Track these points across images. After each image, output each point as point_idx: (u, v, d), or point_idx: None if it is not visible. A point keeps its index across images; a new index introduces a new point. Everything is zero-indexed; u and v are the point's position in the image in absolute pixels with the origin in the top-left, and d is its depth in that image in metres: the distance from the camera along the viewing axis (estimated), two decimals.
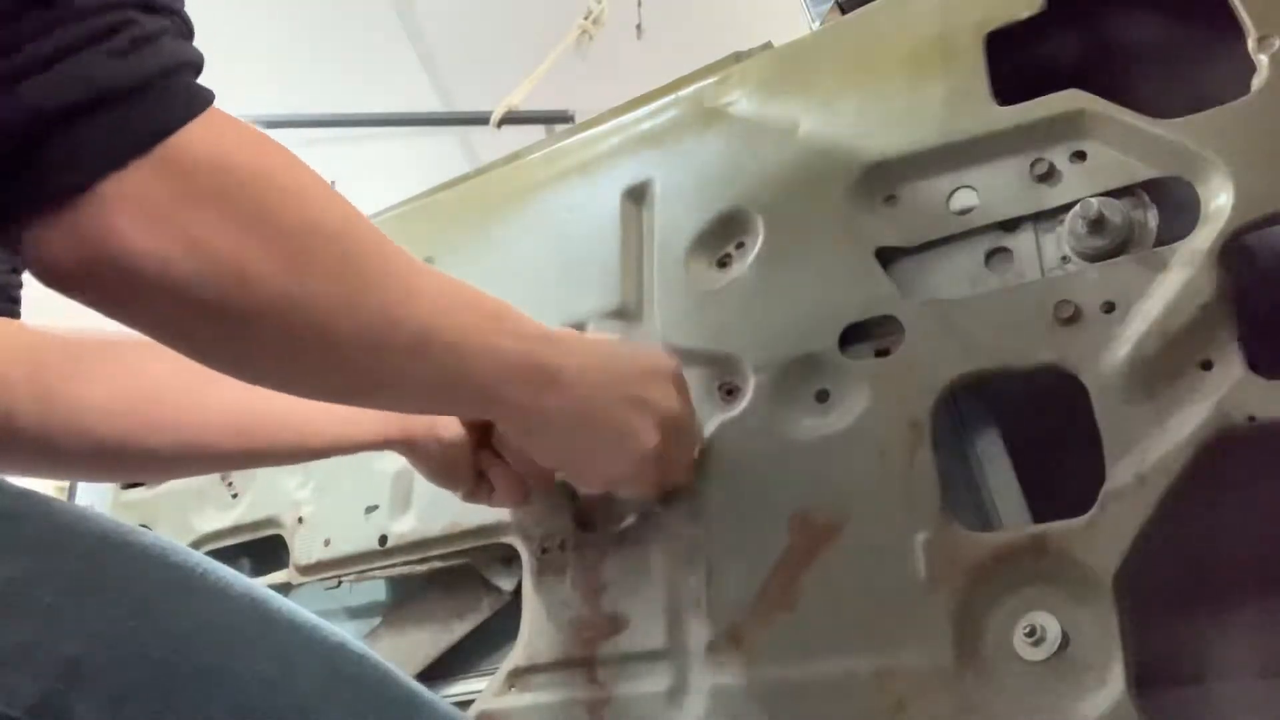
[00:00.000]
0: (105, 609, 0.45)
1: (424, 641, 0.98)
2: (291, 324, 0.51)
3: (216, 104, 0.50)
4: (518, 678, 0.83)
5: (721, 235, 0.86)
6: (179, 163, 0.47)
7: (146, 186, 0.46)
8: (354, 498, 0.98)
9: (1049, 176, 0.74)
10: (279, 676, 0.47)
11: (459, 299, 0.59)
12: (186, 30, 0.49)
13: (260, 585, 0.51)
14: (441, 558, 0.93)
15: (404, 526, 0.94)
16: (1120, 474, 0.65)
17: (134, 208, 0.46)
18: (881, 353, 0.77)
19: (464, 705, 0.84)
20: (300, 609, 0.51)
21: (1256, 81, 0.68)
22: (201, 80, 0.49)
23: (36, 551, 0.45)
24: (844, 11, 0.95)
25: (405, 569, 0.95)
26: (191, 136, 0.47)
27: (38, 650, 0.43)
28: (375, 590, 1.08)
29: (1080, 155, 0.73)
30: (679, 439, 0.74)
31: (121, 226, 0.46)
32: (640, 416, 0.70)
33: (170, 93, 0.47)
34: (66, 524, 0.48)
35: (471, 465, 0.81)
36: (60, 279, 0.47)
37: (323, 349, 0.52)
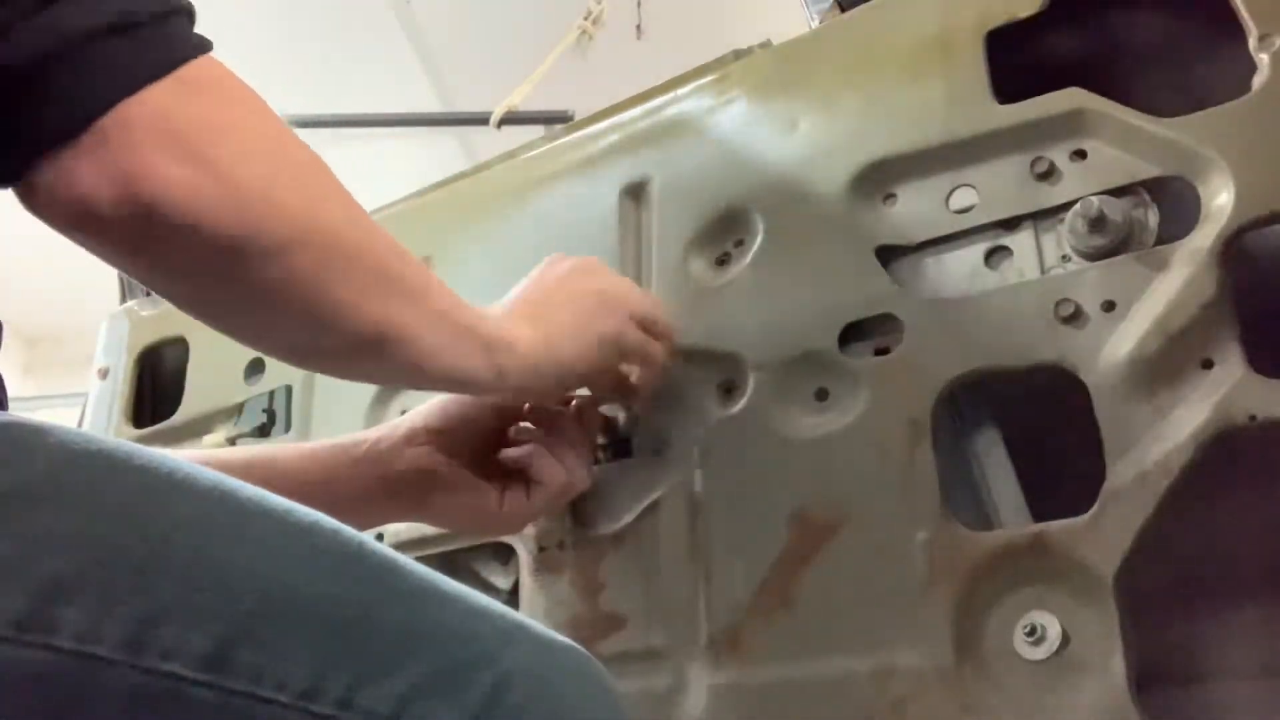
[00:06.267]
0: (79, 520, 0.45)
1: None
2: (312, 256, 0.53)
3: None
4: None
5: (720, 233, 0.86)
6: (201, 86, 0.50)
7: (171, 107, 0.48)
8: None
9: (1049, 175, 0.73)
10: (261, 560, 0.46)
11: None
12: None
13: (227, 477, 0.50)
14: (438, 556, 0.92)
15: (400, 524, 0.94)
16: (1120, 473, 0.65)
17: (161, 130, 0.48)
18: (881, 351, 0.76)
19: None
20: (269, 494, 0.50)
21: (1257, 81, 0.67)
22: None
23: (1, 470, 0.45)
24: (843, 10, 0.95)
25: None
26: (207, 65, 0.51)
27: (16, 567, 0.42)
28: None
29: (1080, 154, 0.73)
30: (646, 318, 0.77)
31: (150, 151, 0.48)
32: (600, 306, 0.74)
33: (185, 26, 0.51)
34: (24, 439, 0.47)
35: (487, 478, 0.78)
36: (81, 212, 0.48)
37: (337, 286, 0.55)
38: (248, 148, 0.51)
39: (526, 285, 0.75)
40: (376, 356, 0.59)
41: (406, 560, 0.51)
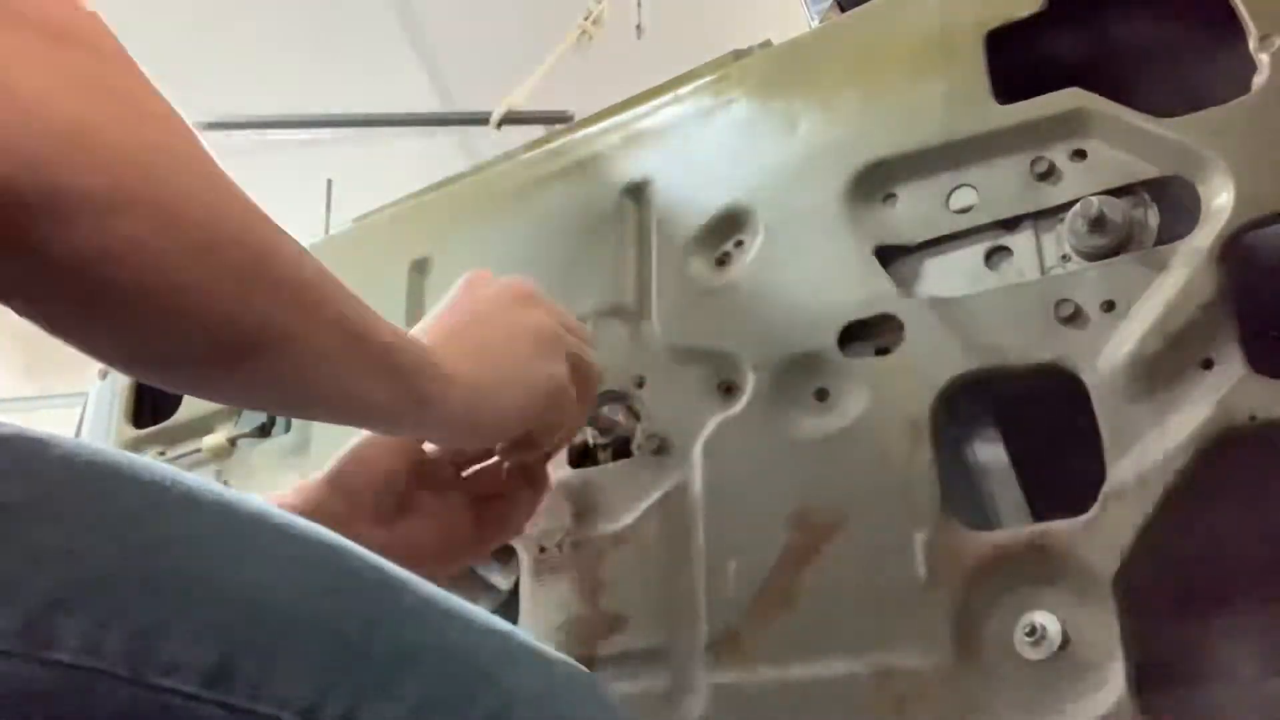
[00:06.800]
0: (81, 534, 0.44)
1: None
2: (145, 220, 0.42)
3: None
4: None
5: (721, 233, 0.86)
6: None
7: None
8: None
9: (1049, 175, 0.73)
10: (262, 576, 0.46)
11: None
12: None
13: (227, 490, 0.49)
14: None
15: None
16: (1120, 474, 0.65)
17: None
18: (881, 351, 0.76)
19: None
20: (270, 507, 0.49)
21: (1257, 81, 0.67)
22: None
23: (3, 483, 0.44)
24: (843, 9, 0.95)
25: None
26: None
27: (17, 581, 0.41)
28: None
29: (1080, 154, 0.73)
30: (580, 359, 0.71)
31: None
32: (542, 356, 0.66)
33: None
34: (27, 451, 0.46)
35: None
36: None
37: (180, 260, 0.44)
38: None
39: (451, 310, 0.67)
40: (234, 364, 0.48)
41: (408, 575, 0.50)
